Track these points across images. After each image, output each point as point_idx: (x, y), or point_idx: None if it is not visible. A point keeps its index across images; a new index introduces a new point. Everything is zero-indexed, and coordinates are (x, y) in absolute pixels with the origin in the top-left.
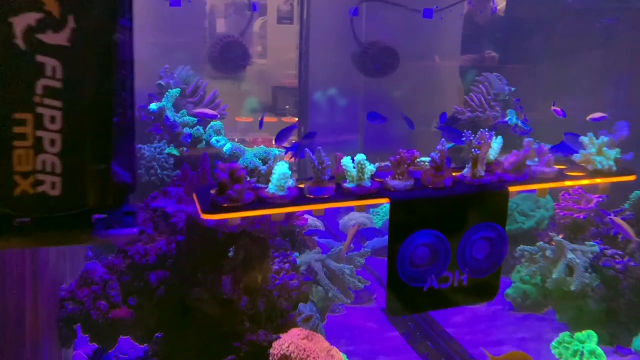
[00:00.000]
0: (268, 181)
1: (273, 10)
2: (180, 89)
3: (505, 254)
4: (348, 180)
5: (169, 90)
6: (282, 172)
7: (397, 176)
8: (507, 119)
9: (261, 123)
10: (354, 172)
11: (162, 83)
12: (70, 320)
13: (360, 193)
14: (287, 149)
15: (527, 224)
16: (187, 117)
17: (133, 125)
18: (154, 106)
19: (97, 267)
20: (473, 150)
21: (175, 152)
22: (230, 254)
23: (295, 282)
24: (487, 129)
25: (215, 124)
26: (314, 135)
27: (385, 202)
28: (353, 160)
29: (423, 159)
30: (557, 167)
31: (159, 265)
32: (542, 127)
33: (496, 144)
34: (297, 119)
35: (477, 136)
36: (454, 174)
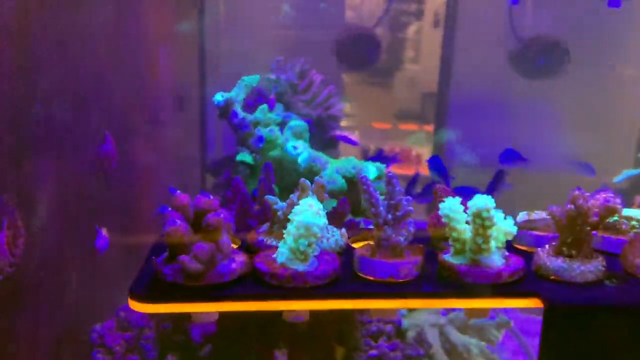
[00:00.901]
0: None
1: (429, 13)
2: (259, 77)
3: None
4: (452, 249)
5: (243, 78)
6: (304, 221)
7: (564, 248)
8: None
9: (381, 155)
10: (465, 233)
11: (272, 77)
12: None
13: (476, 279)
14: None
15: None
16: (268, 115)
17: None
18: (219, 97)
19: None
20: None
21: (248, 159)
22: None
23: (397, 354)
24: None
25: (295, 123)
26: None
27: (533, 304)
28: (465, 203)
29: (630, 212)
30: None
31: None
32: None
33: None
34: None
35: None
36: None
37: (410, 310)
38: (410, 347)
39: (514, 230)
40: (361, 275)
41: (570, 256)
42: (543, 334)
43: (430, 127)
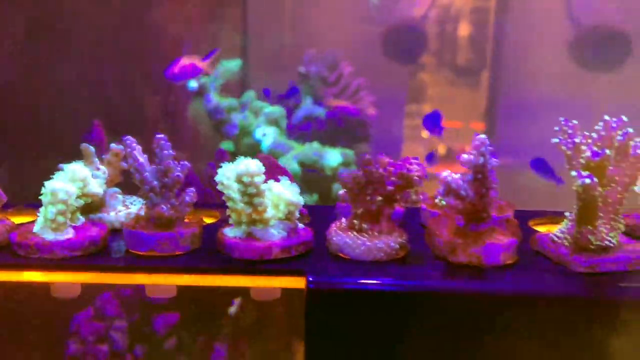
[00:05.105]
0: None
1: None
2: (240, 62)
3: None
4: (232, 219)
5: (222, 62)
6: (49, 187)
7: (355, 221)
8: None
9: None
10: (238, 202)
11: (302, 70)
12: None
13: (242, 254)
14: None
15: None
16: (255, 102)
17: None
18: (192, 82)
19: (111, 297)
20: (584, 181)
21: (231, 147)
22: (232, 309)
23: None
24: None
25: (271, 110)
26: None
27: (297, 284)
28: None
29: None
30: None
31: (173, 305)
32: None
33: None
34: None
35: (605, 124)
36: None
37: None
38: None
39: (299, 200)
40: (128, 249)
41: (361, 230)
42: (306, 319)
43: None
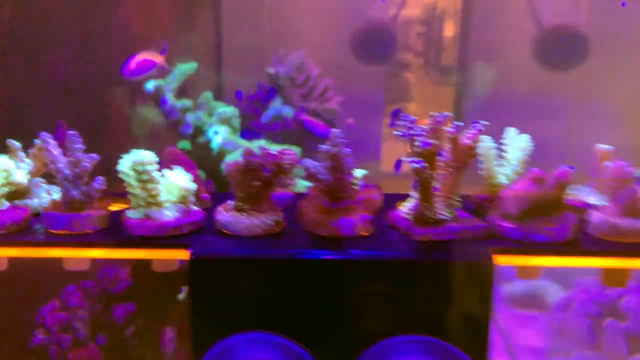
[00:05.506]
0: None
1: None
2: (195, 65)
3: None
4: (133, 202)
5: (179, 65)
6: None
7: (239, 203)
8: None
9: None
10: (135, 187)
11: (271, 71)
12: (39, 354)
13: (140, 232)
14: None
15: None
16: (212, 103)
17: None
18: (149, 84)
19: (74, 289)
20: (413, 165)
21: (187, 145)
22: (181, 296)
23: None
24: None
25: (225, 109)
26: None
27: (183, 256)
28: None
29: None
30: None
31: (128, 296)
32: None
33: (517, 146)
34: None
35: (433, 119)
36: (397, 207)
37: None
38: None
39: (191, 186)
40: (46, 228)
41: (243, 210)
42: (189, 286)
43: None
